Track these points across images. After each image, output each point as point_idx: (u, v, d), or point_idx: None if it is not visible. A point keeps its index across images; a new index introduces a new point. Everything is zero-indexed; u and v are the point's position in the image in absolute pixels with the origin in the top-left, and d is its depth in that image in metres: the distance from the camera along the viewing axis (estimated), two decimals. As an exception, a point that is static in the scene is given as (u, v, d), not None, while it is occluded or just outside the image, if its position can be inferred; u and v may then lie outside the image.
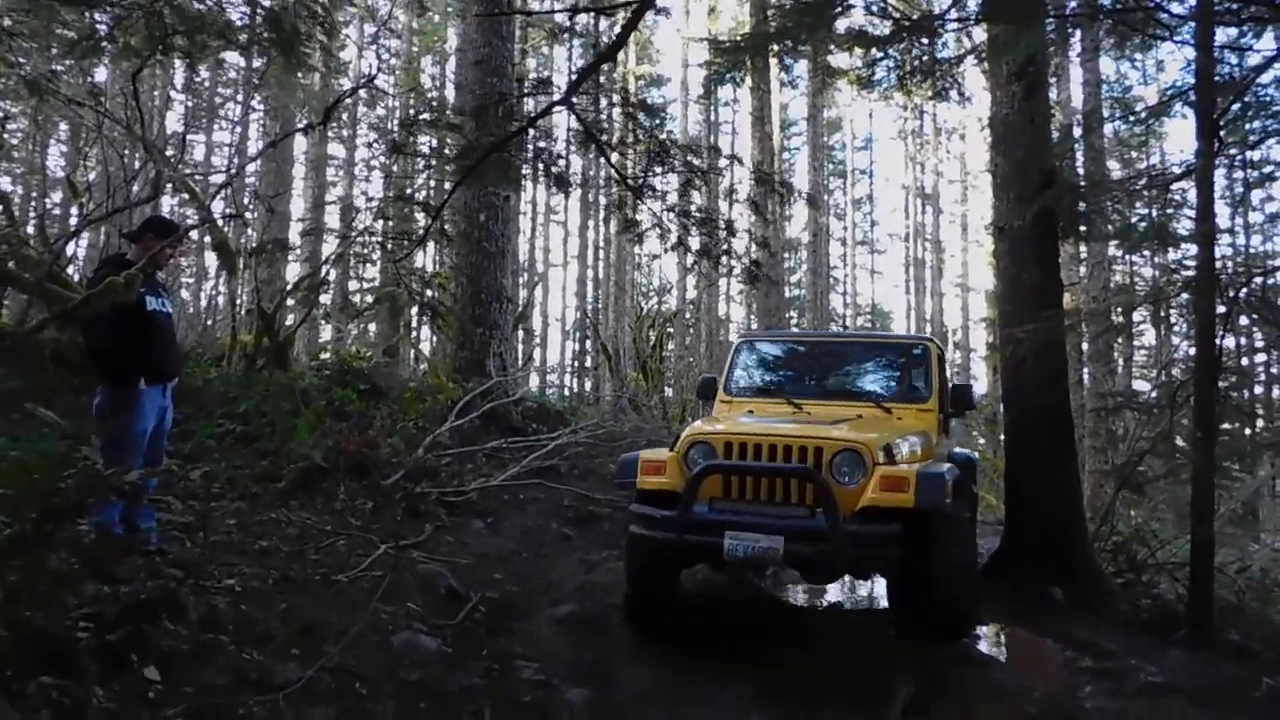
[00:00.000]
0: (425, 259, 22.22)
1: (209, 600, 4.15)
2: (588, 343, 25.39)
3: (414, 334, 19.86)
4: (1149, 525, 8.94)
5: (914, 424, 5.38)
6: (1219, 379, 6.20)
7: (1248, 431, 7.97)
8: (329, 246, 15.76)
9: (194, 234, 10.24)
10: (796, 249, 31.24)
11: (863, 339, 6.81)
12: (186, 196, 12.05)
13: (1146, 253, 12.71)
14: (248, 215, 13.08)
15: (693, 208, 8.32)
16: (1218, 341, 6.06)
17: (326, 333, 19.31)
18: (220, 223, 10.88)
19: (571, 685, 4.30)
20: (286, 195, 16.97)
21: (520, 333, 17.02)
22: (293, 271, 16.18)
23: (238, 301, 11.09)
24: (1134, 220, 7.25)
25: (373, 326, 18.76)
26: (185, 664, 3.52)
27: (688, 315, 27.16)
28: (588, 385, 22.30)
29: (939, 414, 5.67)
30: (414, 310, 15.83)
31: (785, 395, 5.84)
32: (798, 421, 5.07)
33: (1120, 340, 14.53)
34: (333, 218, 20.36)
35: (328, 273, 15.32)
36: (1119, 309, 10.29)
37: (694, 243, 8.20)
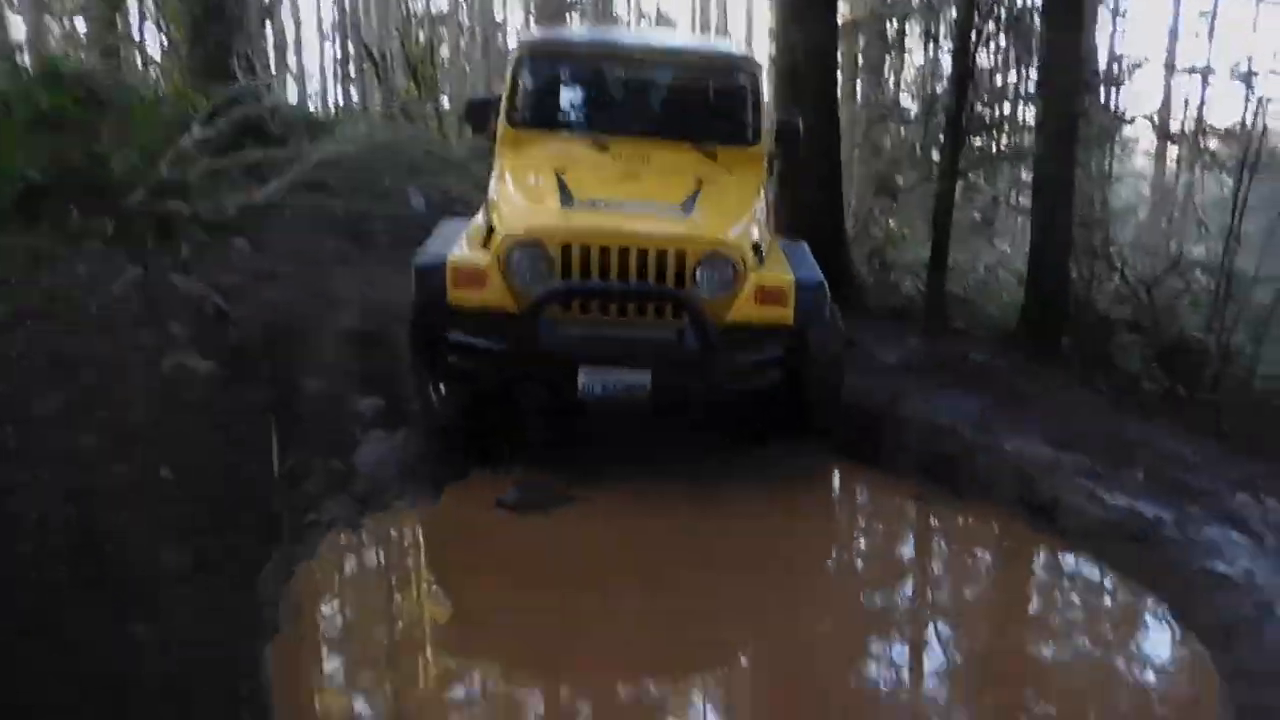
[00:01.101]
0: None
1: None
2: (350, 47, 23.01)
3: (136, 33, 17.07)
4: (900, 231, 9.81)
5: (748, 183, 4.52)
6: (968, 94, 6.62)
7: (992, 146, 8.68)
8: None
9: None
10: (576, -54, 28.97)
11: (674, 54, 5.24)
12: None
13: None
14: None
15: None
16: (971, 55, 6.39)
17: (18, 30, 16.18)
18: None
19: (360, 396, 4.30)
20: None
21: (268, 34, 15.07)
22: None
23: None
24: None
25: (80, 23, 15.91)
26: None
27: (460, 17, 25.08)
28: (353, 95, 20.50)
29: (765, 161, 4.86)
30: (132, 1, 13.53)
31: (588, 130, 4.75)
32: (633, 202, 3.99)
33: (892, 54, 14.96)
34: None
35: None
36: (893, 20, 10.54)
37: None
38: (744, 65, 4.96)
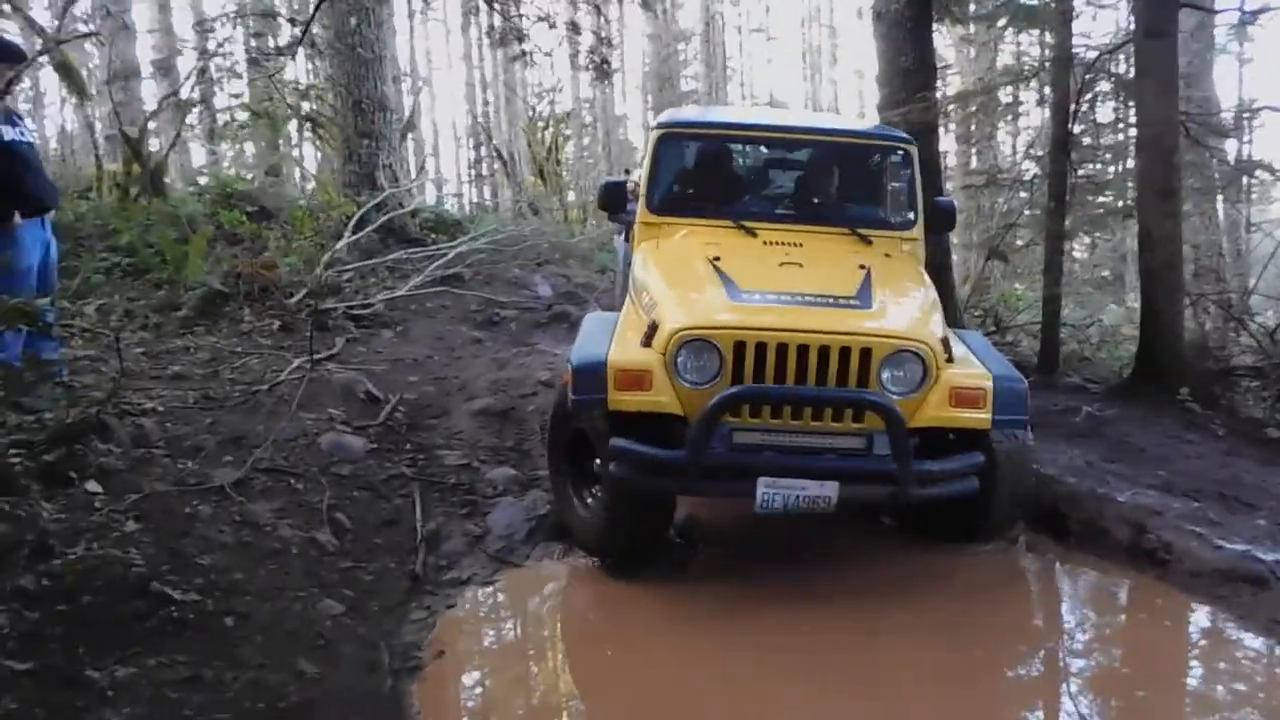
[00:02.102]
0: (299, 72, 20.84)
1: (134, 422, 4.32)
2: (482, 149, 24.68)
3: (295, 151, 18.96)
4: (1015, 291, 9.75)
5: (913, 270, 4.21)
6: (1070, 153, 6.68)
7: (1099, 200, 8.62)
8: (186, 64, 14.65)
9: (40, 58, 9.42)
10: (689, 39, 30.29)
11: (824, 134, 4.74)
12: (11, 11, 10.95)
13: (1035, 32, 12.91)
14: (98, 34, 11.99)
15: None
16: (1070, 120, 6.49)
17: (199, 156, 18.28)
18: (61, 43, 10.01)
19: (493, 466, 4.72)
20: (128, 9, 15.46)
21: (409, 143, 16.47)
22: (150, 91, 15.08)
23: (94, 128, 10.42)
24: (999, 2, 7.44)
25: (249, 147, 17.83)
26: (123, 477, 3.73)
27: (583, 114, 26.51)
28: (485, 193, 21.92)
29: (923, 246, 4.50)
30: (292, 126, 15.09)
31: (733, 214, 4.40)
32: (805, 294, 3.56)
33: (1009, 119, 14.94)
34: (185, 31, 18.71)
35: (191, 90, 14.34)
36: (994, 89, 10.68)
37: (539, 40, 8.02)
38: (901, 143, 4.60)
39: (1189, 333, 6.07)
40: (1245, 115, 11.68)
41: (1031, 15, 7.89)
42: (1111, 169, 10.10)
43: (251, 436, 4.45)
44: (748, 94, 38.33)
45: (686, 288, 3.71)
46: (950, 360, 3.49)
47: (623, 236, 6.61)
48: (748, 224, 4.28)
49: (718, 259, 3.82)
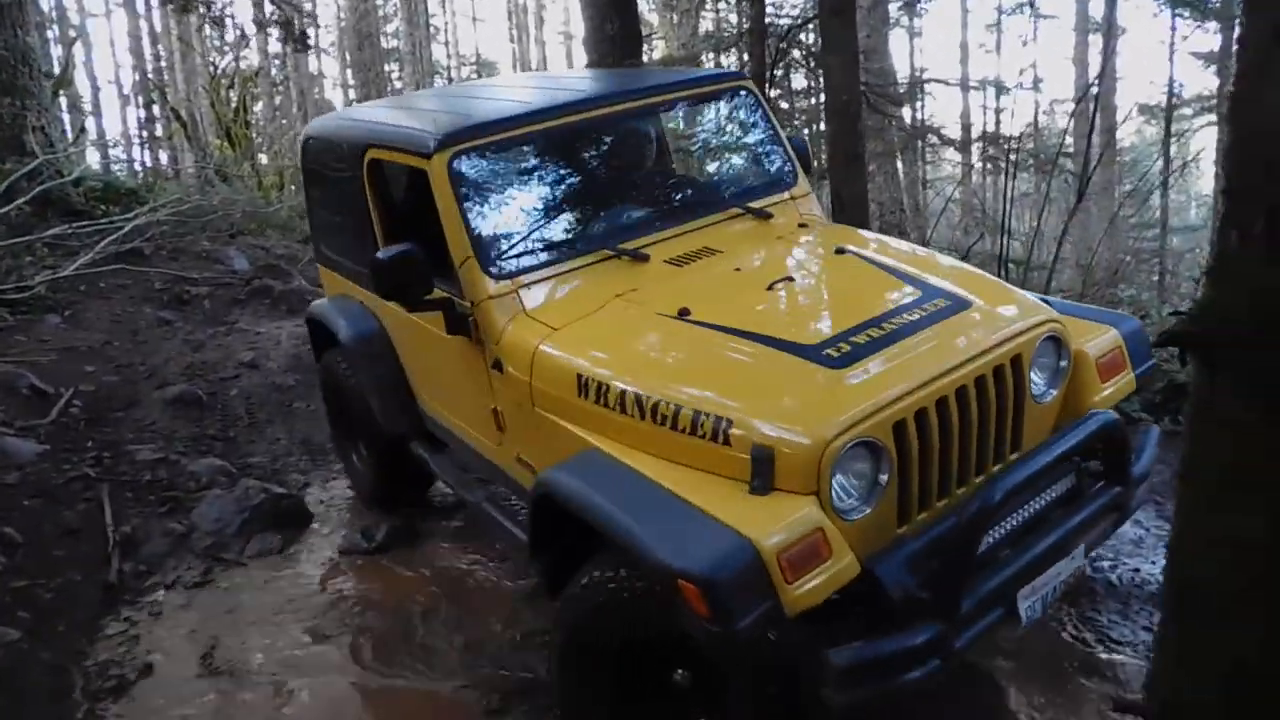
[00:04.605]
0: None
1: None
2: (155, 109, 22.10)
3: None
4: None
5: (855, 232, 3.48)
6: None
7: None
8: None
9: None
10: (388, -6, 28.99)
11: (653, 92, 3.42)
12: None
13: (733, 1, 13.77)
14: None
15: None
16: (767, 86, 7.03)
17: None
18: None
19: (195, 458, 4.34)
20: None
21: (64, 101, 14.39)
22: None
23: None
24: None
25: None
26: None
27: (272, 71, 24.54)
28: (162, 158, 19.69)
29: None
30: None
31: (602, 241, 3.02)
32: (887, 318, 2.53)
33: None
34: None
35: None
36: (697, 56, 11.32)
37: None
38: (739, 81, 3.61)
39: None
40: (917, 85, 13.31)
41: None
42: (806, 131, 11.12)
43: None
44: (453, 54, 37.51)
45: (737, 374, 2.42)
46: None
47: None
48: (628, 247, 2.98)
49: (686, 312, 2.64)
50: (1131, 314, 3.39)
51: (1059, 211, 9.50)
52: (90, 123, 23.79)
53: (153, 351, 5.61)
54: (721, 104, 3.63)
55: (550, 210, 3.10)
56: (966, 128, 19.39)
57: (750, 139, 3.58)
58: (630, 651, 2.32)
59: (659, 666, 2.33)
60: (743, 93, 3.56)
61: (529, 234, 2.98)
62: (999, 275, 5.81)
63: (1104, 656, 2.84)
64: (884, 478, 2.23)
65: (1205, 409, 1.50)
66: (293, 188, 11.84)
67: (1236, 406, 1.42)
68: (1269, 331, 1.35)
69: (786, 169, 3.46)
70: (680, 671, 2.31)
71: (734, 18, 15.78)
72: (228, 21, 7.74)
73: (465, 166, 2.92)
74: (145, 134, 22.41)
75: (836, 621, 2.15)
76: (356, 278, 3.65)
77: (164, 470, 4.19)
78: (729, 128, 3.69)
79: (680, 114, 3.73)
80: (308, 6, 18.29)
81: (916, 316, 2.52)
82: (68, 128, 12.64)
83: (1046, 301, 2.80)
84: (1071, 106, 16.23)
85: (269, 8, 10.21)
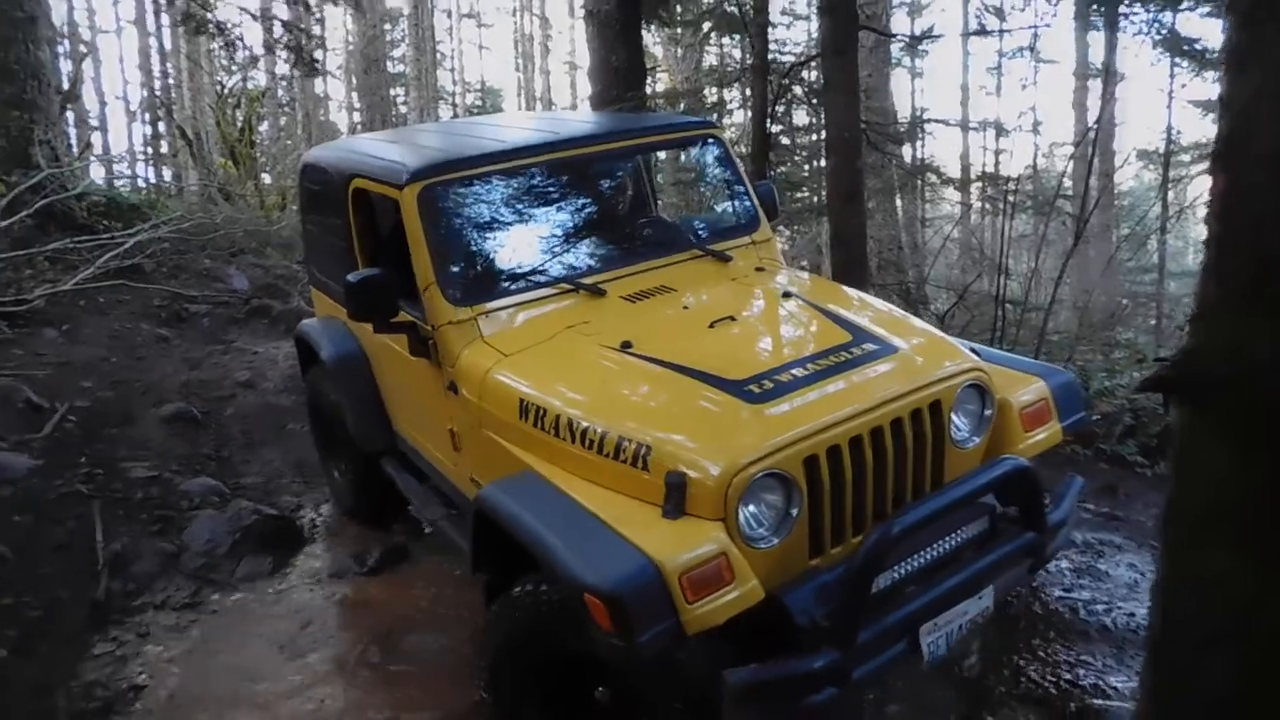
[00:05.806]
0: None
1: None
2: (161, 126, 22.25)
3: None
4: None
5: (815, 280, 3.62)
6: (769, 153, 7.33)
7: (796, 196, 9.53)
8: None
9: None
10: (397, 21, 29.30)
11: (622, 134, 3.64)
12: None
13: (736, 37, 13.99)
14: None
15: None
16: (769, 121, 7.12)
17: None
18: None
19: (189, 477, 4.33)
20: None
21: (71, 115, 14.51)
22: None
23: None
24: (704, 8, 8.00)
25: None
26: None
27: (279, 92, 24.74)
28: (166, 175, 19.80)
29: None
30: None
31: (566, 275, 3.15)
32: (819, 358, 2.65)
33: (714, 118, 16.03)
34: None
35: None
36: (712, 89, 11.49)
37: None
38: (708, 129, 3.76)
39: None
40: (918, 124, 13.47)
41: (734, 22, 8.52)
42: (807, 167, 11.21)
43: None
44: (458, 80, 37.86)
45: (663, 405, 2.57)
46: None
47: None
48: (587, 282, 3.11)
49: (629, 345, 2.75)
50: (1127, 356, 3.47)
51: (1057, 253, 9.57)
52: (96, 138, 23.94)
53: (150, 369, 5.61)
54: (692, 151, 3.73)
55: (515, 243, 3.23)
56: (966, 168, 19.56)
57: (717, 184, 3.73)
58: (553, 668, 2.43)
59: (581, 684, 2.42)
60: (711, 141, 3.75)
61: (492, 264, 3.15)
62: (996, 314, 5.92)
63: (1097, 703, 2.83)
64: (795, 510, 2.33)
65: (1187, 452, 1.53)
66: (294, 208, 11.92)
67: (1216, 449, 1.45)
68: (1247, 378, 1.38)
69: (750, 214, 3.59)
70: (600, 689, 2.40)
71: (737, 53, 16.00)
72: (238, 44, 7.86)
73: (435, 198, 3.06)
74: (150, 150, 22.56)
75: (742, 645, 2.22)
76: (340, 299, 3.65)
77: (157, 489, 4.18)
78: (699, 173, 3.86)
79: (652, 158, 3.89)
80: (316, 30, 18.52)
81: (843, 359, 2.63)
82: (74, 142, 12.73)
83: (976, 351, 2.87)
84: (1071, 150, 16.42)
85: (279, 30, 10.39)
